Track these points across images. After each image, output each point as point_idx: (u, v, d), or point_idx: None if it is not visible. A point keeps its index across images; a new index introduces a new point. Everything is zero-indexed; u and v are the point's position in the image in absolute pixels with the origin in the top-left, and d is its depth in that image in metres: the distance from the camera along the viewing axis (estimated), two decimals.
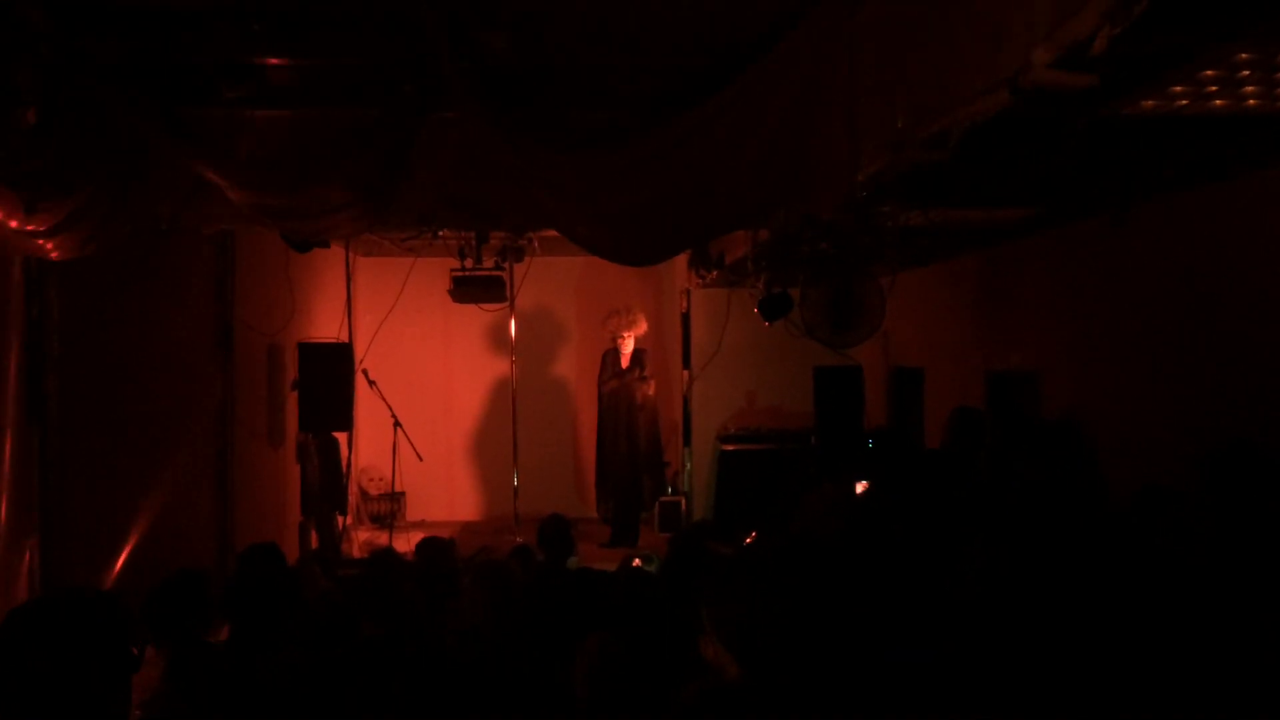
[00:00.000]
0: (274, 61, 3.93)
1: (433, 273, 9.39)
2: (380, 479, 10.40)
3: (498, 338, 11.10)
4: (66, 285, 5.15)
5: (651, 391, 10.10)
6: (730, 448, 9.99)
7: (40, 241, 4.54)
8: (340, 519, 9.32)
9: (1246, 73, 3.02)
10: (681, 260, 9.32)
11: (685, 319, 10.33)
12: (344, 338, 9.17)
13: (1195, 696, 2.67)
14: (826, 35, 3.34)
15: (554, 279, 10.78)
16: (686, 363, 10.32)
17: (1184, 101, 3.30)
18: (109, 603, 3.11)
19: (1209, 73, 3.03)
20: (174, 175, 4.57)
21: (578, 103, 3.86)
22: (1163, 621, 2.87)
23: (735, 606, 2.54)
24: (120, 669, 2.73)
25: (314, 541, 8.93)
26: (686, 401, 10.36)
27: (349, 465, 9.36)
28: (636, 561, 5.80)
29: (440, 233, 7.51)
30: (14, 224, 4.34)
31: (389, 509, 10.43)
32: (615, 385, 10.02)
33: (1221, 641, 2.79)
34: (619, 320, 9.97)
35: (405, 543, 8.20)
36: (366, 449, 10.42)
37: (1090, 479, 4.06)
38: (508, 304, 9.71)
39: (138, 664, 2.73)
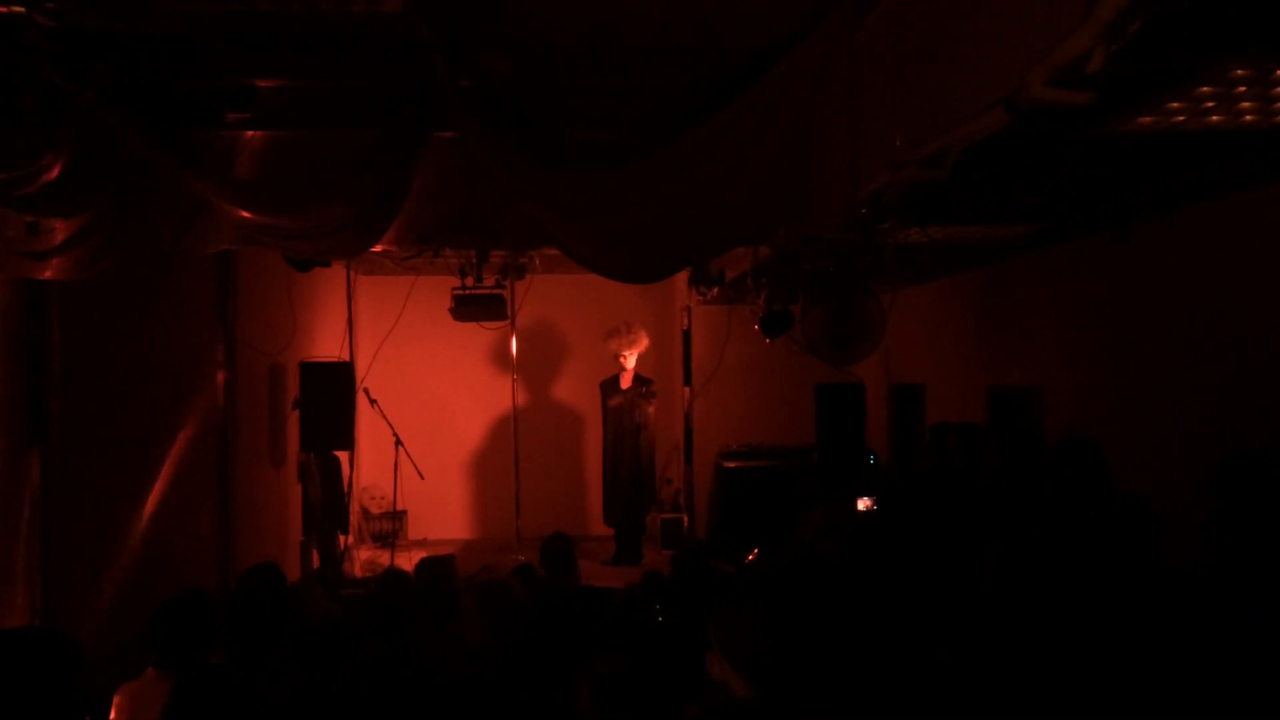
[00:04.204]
0: (276, 84, 3.95)
1: (434, 291, 9.41)
2: (382, 498, 10.38)
3: (499, 355, 11.12)
4: (68, 306, 5.17)
5: (652, 410, 10.10)
6: (731, 465, 9.99)
7: (42, 262, 4.56)
8: (342, 538, 9.31)
9: (1243, 89, 3.04)
10: (682, 277, 9.34)
11: (686, 336, 10.34)
12: (345, 357, 9.19)
13: (1207, 707, 2.67)
14: (826, 56, 3.36)
15: (555, 296, 10.80)
16: (688, 380, 10.33)
17: (1181, 118, 3.32)
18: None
19: (1206, 89, 3.05)
20: (176, 196, 4.59)
21: (579, 123, 3.88)
22: (1173, 632, 2.87)
23: (742, 624, 2.53)
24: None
25: (315, 561, 8.91)
26: (688, 418, 10.36)
27: (350, 484, 9.35)
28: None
29: (441, 251, 7.53)
30: (16, 244, 4.36)
31: (391, 528, 10.40)
32: (620, 401, 10.03)
33: (1232, 652, 2.79)
34: (620, 340, 9.98)
35: (407, 561, 8.18)
36: (368, 468, 10.42)
37: (1103, 494, 4.06)
38: (509, 322, 9.73)
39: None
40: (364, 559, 9.77)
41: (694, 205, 3.74)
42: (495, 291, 8.57)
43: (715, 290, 8.53)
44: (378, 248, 5.45)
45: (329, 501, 8.90)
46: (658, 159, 3.60)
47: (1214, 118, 3.31)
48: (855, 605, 3.09)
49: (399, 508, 10.01)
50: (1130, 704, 2.71)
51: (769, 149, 3.57)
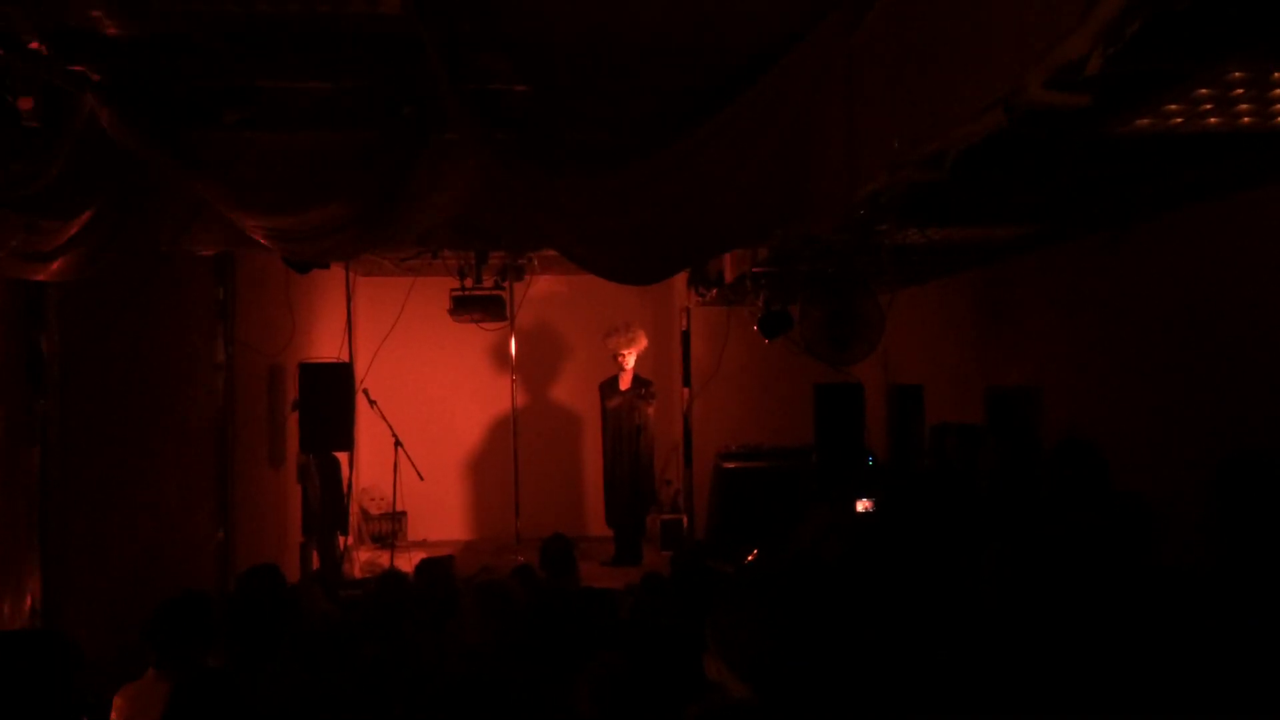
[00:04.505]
0: (275, 85, 3.95)
1: (433, 292, 9.42)
2: (381, 498, 10.38)
3: (498, 356, 11.12)
4: (66, 307, 5.17)
5: (651, 412, 10.11)
6: (730, 465, 9.99)
7: (41, 264, 4.56)
8: (341, 539, 9.31)
9: (1240, 91, 3.04)
10: (681, 278, 9.36)
11: (685, 337, 10.34)
12: (344, 358, 9.18)
13: (1207, 707, 2.67)
14: (824, 57, 3.36)
15: (554, 297, 10.82)
16: (687, 380, 10.33)
17: (1179, 120, 3.32)
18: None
19: (1203, 91, 3.05)
20: (175, 197, 4.59)
21: (577, 125, 3.88)
22: (1171, 632, 2.88)
23: (739, 626, 2.54)
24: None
25: (315, 562, 8.91)
26: (687, 419, 10.36)
27: (350, 485, 9.35)
28: None
29: (440, 252, 7.54)
30: (15, 246, 4.36)
31: (390, 528, 10.41)
32: (619, 403, 10.04)
33: (1231, 652, 2.79)
34: (619, 338, 9.99)
35: (407, 562, 8.18)
36: (367, 469, 10.41)
37: (1102, 494, 4.06)
38: (508, 323, 9.74)
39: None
40: (364, 560, 9.77)
41: (693, 206, 3.74)
42: (494, 293, 8.58)
43: (714, 291, 8.54)
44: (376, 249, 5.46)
45: (328, 502, 8.90)
46: (657, 159, 3.61)
47: (1212, 119, 3.31)
48: (853, 607, 3.09)
49: (398, 509, 10.01)
50: (1130, 704, 2.71)
51: (767, 149, 3.57)
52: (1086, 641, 2.83)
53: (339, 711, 3.74)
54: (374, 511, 10.67)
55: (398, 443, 9.12)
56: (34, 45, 3.54)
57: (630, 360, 10.01)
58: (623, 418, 10.03)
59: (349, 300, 9.57)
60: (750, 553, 6.86)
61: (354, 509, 10.04)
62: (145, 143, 4.04)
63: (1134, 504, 3.61)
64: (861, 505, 6.47)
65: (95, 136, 3.92)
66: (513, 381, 10.65)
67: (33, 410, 5.02)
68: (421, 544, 10.44)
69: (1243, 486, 3.19)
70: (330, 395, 8.35)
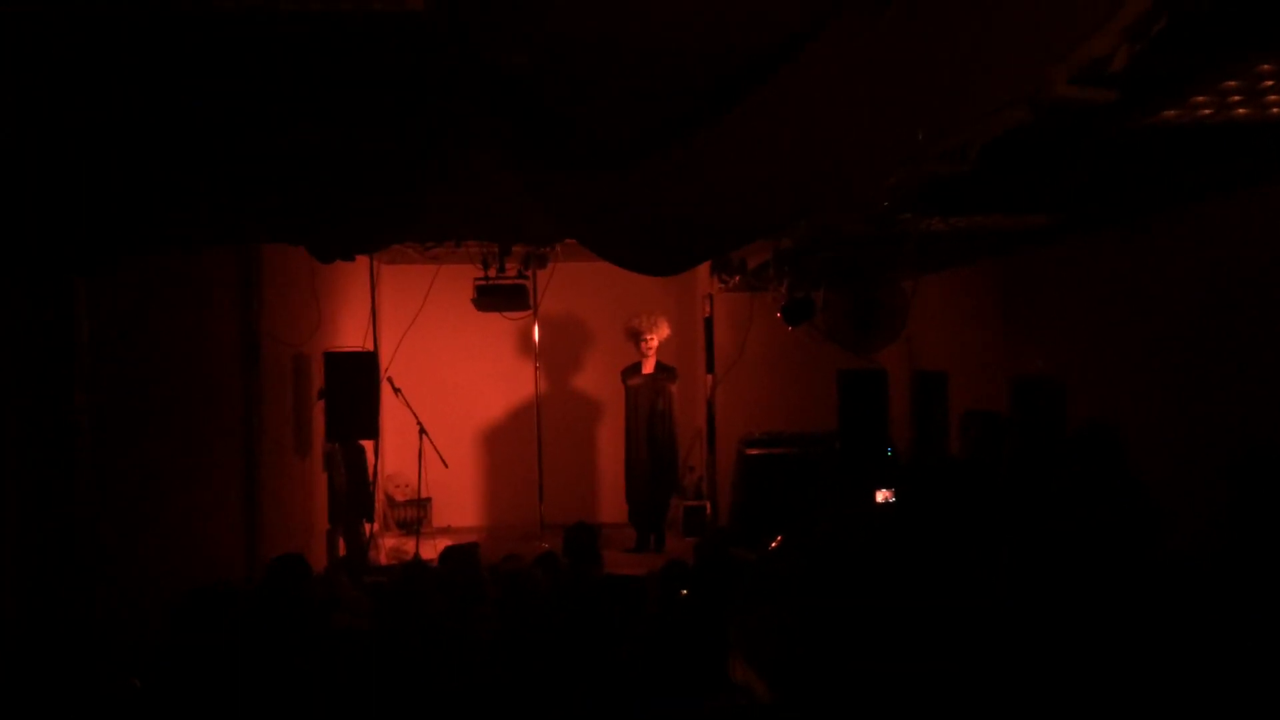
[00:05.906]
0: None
1: (457, 279, 9.46)
2: (406, 486, 10.45)
3: (522, 343, 11.16)
4: (94, 300, 5.21)
5: (674, 390, 10.10)
6: (754, 452, 9.96)
7: None
8: (367, 526, 9.39)
9: (1270, 83, 3.01)
10: (704, 266, 9.34)
11: (708, 324, 10.34)
12: (369, 346, 9.23)
13: (1223, 704, 2.67)
14: (847, 48, 3.34)
15: (577, 285, 10.82)
16: (710, 367, 10.33)
17: (1207, 111, 3.29)
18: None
19: (1231, 83, 3.02)
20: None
21: (596, 119, 3.87)
22: (1187, 627, 2.87)
23: (764, 630, 2.55)
24: None
25: (341, 549, 8.99)
26: (710, 406, 10.36)
27: (375, 473, 9.42)
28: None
29: (463, 241, 7.55)
30: None
31: (415, 515, 10.48)
32: (639, 383, 10.05)
33: (1247, 648, 2.78)
34: (642, 320, 10.00)
35: (431, 549, 8.26)
36: (392, 456, 10.48)
37: (1123, 486, 4.04)
38: (531, 311, 9.77)
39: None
40: (389, 546, 9.86)
41: (712, 200, 3.73)
42: (518, 282, 8.60)
43: (737, 278, 8.54)
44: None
45: (354, 490, 8.97)
46: (677, 154, 3.59)
47: (1240, 110, 3.28)
48: (873, 608, 3.10)
49: (423, 496, 10.08)
50: (1141, 700, 2.71)
51: (790, 142, 3.54)
52: (1095, 638, 2.83)
53: (360, 699, 3.79)
54: (399, 499, 10.76)
55: (422, 430, 9.17)
56: None
57: (653, 344, 10.02)
58: (643, 398, 10.03)
59: (373, 289, 9.62)
60: (774, 540, 6.86)
61: (379, 496, 10.12)
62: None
63: (1141, 498, 3.60)
64: (881, 496, 6.46)
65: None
66: (536, 369, 10.68)
67: (65, 403, 5.07)
68: (446, 530, 10.51)
69: (1256, 482, 3.18)
70: (355, 384, 8.40)
